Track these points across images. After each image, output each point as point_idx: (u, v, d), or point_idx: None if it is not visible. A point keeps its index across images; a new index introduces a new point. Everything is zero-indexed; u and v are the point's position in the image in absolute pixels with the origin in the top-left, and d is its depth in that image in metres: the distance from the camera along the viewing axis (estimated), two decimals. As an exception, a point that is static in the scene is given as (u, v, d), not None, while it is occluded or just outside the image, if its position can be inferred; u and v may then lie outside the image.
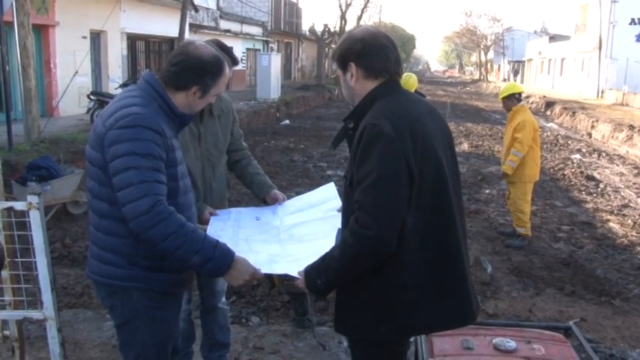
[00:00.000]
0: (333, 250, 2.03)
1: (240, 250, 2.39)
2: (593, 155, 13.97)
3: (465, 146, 14.60)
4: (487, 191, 9.55)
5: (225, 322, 3.31)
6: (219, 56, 2.25)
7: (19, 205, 2.82)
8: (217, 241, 2.09)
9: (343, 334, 2.29)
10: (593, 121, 18.60)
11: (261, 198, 3.08)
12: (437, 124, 2.10)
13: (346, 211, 2.07)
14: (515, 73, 59.27)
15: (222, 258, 2.07)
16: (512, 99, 6.70)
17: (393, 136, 1.89)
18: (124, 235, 2.09)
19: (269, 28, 33.63)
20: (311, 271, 2.07)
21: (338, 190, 2.81)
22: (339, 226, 2.20)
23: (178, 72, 2.16)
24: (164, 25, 18.87)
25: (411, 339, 2.60)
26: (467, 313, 2.10)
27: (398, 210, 1.90)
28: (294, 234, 2.60)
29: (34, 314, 2.94)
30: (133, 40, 19.02)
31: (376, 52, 2.07)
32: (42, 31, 13.94)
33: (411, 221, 1.93)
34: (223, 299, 3.28)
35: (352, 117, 2.10)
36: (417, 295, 2.00)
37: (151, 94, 2.15)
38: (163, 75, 2.19)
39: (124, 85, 12.36)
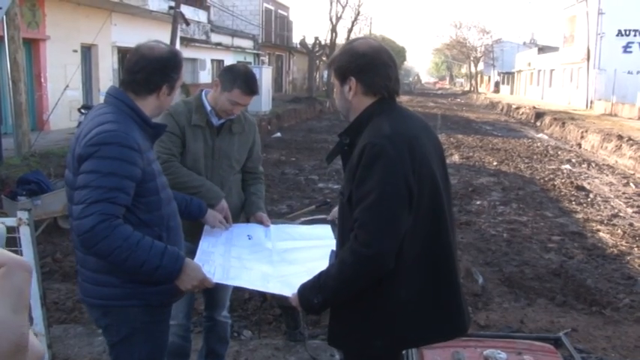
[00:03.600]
0: (329, 268, 2.04)
1: (233, 267, 2.40)
2: (583, 165, 14.07)
3: (456, 157, 14.67)
4: (478, 202, 9.59)
5: (223, 334, 3.36)
6: (174, 48, 2.32)
7: (9, 221, 2.81)
8: (165, 248, 2.08)
9: (337, 348, 2.31)
10: (582, 132, 18.75)
11: (247, 216, 3.10)
12: (431, 141, 2.12)
13: (342, 228, 2.08)
14: (496, 85, 60.49)
15: (170, 265, 2.08)
16: None
17: (393, 156, 1.91)
18: None
19: (260, 41, 33.77)
20: (305, 291, 2.07)
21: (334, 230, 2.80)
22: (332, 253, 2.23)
23: (146, 77, 2.18)
24: (155, 38, 18.87)
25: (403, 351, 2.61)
26: (459, 326, 2.15)
27: (398, 229, 1.91)
28: (285, 257, 2.61)
29: (24, 330, 2.92)
30: (124, 53, 18.98)
31: (378, 70, 2.06)
32: (32, 45, 13.94)
33: (407, 238, 1.95)
34: (224, 312, 3.31)
35: (348, 133, 2.10)
36: (412, 309, 2.02)
37: (123, 109, 2.14)
38: (131, 86, 2.19)
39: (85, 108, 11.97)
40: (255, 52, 32.72)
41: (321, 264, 2.18)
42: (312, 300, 2.04)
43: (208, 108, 2.95)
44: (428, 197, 1.99)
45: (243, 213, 3.14)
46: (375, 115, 2.04)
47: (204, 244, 2.53)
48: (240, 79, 2.82)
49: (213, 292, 3.16)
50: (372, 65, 2.05)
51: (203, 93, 3.00)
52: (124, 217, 2.07)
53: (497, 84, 61.43)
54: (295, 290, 2.12)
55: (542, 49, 47.88)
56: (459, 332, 2.18)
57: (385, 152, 1.90)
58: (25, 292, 0.44)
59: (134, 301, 2.17)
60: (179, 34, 17.75)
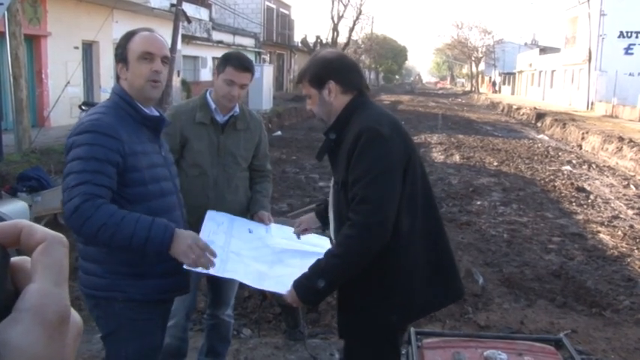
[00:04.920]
0: (329, 252, 2.14)
1: (231, 260, 2.39)
2: (584, 167, 14.06)
3: (457, 158, 14.66)
4: (478, 203, 9.58)
5: (225, 333, 3.35)
6: (131, 31, 2.37)
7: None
8: (153, 220, 2.06)
9: (349, 337, 2.35)
10: (583, 133, 18.74)
11: (250, 214, 3.11)
12: (407, 131, 2.34)
13: (339, 214, 2.21)
14: (494, 85, 60.59)
15: (159, 235, 2.05)
16: None
17: (387, 137, 2.10)
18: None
19: (261, 39, 33.75)
20: (303, 281, 2.12)
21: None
22: None
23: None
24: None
25: (402, 351, 2.61)
26: (460, 289, 2.41)
27: (395, 200, 2.08)
28: (283, 259, 2.61)
29: (23, 327, 2.91)
30: (125, 50, 19.02)
31: (351, 70, 2.32)
32: (34, 42, 13.92)
33: (405, 211, 2.13)
34: (228, 311, 3.31)
35: (334, 129, 2.26)
36: (422, 280, 2.20)
37: (117, 103, 2.21)
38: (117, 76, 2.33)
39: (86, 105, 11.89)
40: (256, 50, 32.70)
41: None
42: (315, 286, 2.08)
43: (213, 106, 2.98)
44: (420, 170, 2.21)
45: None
46: (356, 109, 2.24)
47: (204, 232, 2.53)
48: (232, 58, 2.93)
49: (218, 290, 3.16)
50: (344, 66, 2.30)
51: (208, 92, 3.04)
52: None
53: (494, 84, 61.49)
54: (289, 288, 2.16)
55: (543, 50, 47.83)
56: (456, 297, 2.44)
57: (380, 134, 2.09)
58: (65, 265, 0.47)
59: (116, 294, 2.17)
60: (180, 31, 17.73)
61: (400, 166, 2.11)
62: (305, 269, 2.22)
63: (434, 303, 2.37)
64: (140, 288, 2.18)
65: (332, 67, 2.27)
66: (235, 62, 2.90)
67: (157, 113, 2.33)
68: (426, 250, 2.20)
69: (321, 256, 2.57)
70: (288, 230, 3.03)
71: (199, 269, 2.19)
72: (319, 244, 2.83)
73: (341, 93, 2.25)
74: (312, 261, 2.57)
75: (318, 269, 2.10)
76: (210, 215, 2.75)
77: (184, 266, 2.13)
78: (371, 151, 2.07)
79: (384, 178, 2.06)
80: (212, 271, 2.23)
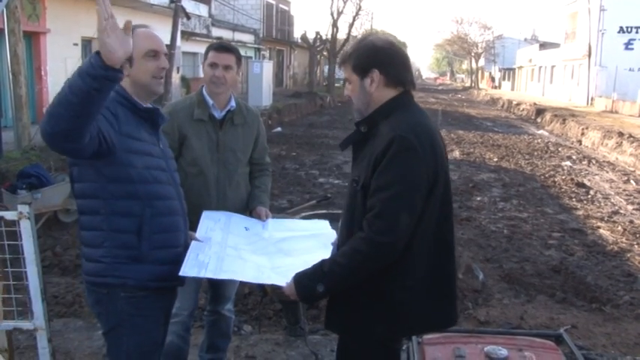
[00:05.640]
0: (335, 257, 2.08)
1: (228, 256, 2.38)
2: (584, 162, 14.07)
3: (457, 154, 14.65)
4: (478, 198, 9.59)
5: (226, 329, 3.34)
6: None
7: (9, 215, 2.80)
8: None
9: (335, 332, 2.33)
10: (583, 129, 18.74)
11: (249, 210, 3.10)
12: (440, 136, 2.19)
13: (352, 213, 2.11)
14: (493, 80, 60.73)
15: (87, 59, 1.89)
16: None
17: (419, 151, 1.98)
18: (95, 226, 2.15)
19: (261, 35, 33.71)
20: (305, 279, 2.08)
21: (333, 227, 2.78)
22: (331, 246, 2.29)
23: None
24: (156, 32, 18.78)
25: (403, 348, 2.62)
26: (454, 316, 2.26)
27: (412, 220, 1.98)
28: (282, 248, 2.59)
29: (24, 324, 2.91)
30: (124, 47, 18.95)
31: (400, 62, 2.14)
32: (33, 38, 13.89)
33: (420, 229, 2.02)
34: (229, 306, 3.30)
35: (367, 122, 2.13)
36: (416, 298, 2.08)
37: (114, 97, 2.17)
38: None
39: None
40: (256, 46, 32.65)
41: (318, 256, 2.17)
42: (313, 288, 2.04)
43: (210, 102, 2.97)
44: (442, 192, 2.07)
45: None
46: (397, 108, 2.10)
47: (201, 230, 2.53)
48: (213, 44, 3.04)
49: (219, 285, 3.15)
50: (393, 57, 2.13)
51: (203, 88, 3.02)
52: (109, 193, 2.12)
53: (493, 80, 61.60)
54: (289, 280, 2.12)
55: (543, 46, 47.80)
56: (453, 322, 2.26)
57: (413, 146, 1.97)
58: None
59: (114, 279, 2.16)
60: (180, 27, 17.70)
61: (426, 183, 1.99)
62: (305, 255, 2.18)
63: (428, 326, 2.25)
64: (137, 273, 2.17)
65: (379, 56, 2.11)
66: (215, 45, 3.00)
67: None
68: (427, 270, 2.09)
69: (321, 239, 2.53)
70: (286, 222, 3.02)
71: (194, 274, 2.18)
72: (319, 228, 2.82)
73: (384, 85, 2.11)
74: (312, 244, 2.55)
75: (321, 273, 2.04)
76: (207, 214, 2.74)
77: (180, 274, 2.14)
78: (399, 163, 1.96)
79: (406, 196, 1.95)
80: (209, 274, 2.21)
